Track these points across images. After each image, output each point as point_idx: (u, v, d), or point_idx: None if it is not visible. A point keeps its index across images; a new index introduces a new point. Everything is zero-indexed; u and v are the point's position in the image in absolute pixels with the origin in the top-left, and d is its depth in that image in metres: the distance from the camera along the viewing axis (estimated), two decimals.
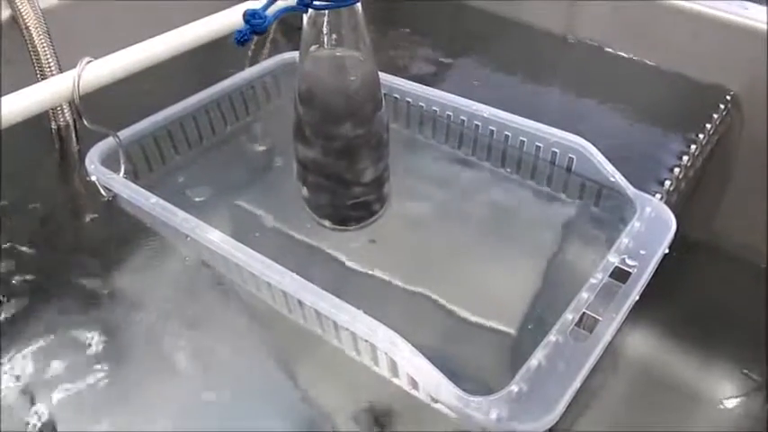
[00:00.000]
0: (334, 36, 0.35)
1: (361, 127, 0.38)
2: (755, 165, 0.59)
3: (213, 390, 0.34)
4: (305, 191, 0.42)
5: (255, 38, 0.33)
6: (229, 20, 0.46)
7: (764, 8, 0.55)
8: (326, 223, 0.42)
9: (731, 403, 0.54)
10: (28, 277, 0.39)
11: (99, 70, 0.40)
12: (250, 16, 0.32)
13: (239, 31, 0.33)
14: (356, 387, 0.34)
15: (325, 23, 0.35)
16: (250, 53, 0.59)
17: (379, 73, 0.50)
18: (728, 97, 0.56)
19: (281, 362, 0.36)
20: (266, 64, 0.53)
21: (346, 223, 0.42)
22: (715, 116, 0.54)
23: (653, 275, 0.36)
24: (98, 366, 0.34)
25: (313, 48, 0.36)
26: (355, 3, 0.34)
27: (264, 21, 0.33)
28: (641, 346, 0.59)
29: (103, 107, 0.43)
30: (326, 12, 0.34)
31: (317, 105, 0.38)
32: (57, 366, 0.34)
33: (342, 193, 0.40)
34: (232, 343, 0.36)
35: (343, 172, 0.39)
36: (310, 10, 0.34)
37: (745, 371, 0.56)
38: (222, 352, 0.36)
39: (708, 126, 0.53)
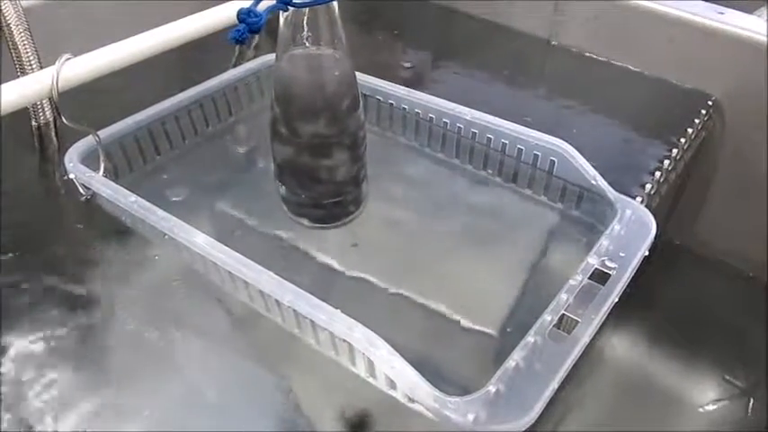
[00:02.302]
0: (310, 35, 0.35)
1: (337, 125, 0.38)
2: (737, 170, 0.59)
3: (192, 390, 0.34)
4: (283, 190, 0.42)
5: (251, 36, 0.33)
6: (213, 19, 0.46)
7: (743, 14, 0.56)
8: (304, 222, 0.42)
9: (713, 408, 0.55)
10: (4, 275, 0.39)
11: (78, 67, 0.40)
12: (245, 15, 0.32)
13: (237, 30, 0.32)
14: (335, 388, 0.34)
15: (302, 22, 0.35)
16: (235, 54, 0.59)
17: (362, 75, 0.50)
18: (710, 102, 0.57)
19: (260, 362, 0.35)
20: (249, 65, 0.53)
21: (323, 222, 0.42)
22: (696, 121, 0.54)
23: (636, 280, 0.36)
24: (75, 368, 0.34)
25: (289, 46, 0.36)
26: (332, 0, 0.34)
27: (260, 18, 0.32)
28: (624, 351, 0.59)
29: (85, 106, 0.43)
30: (305, 10, 0.34)
31: (293, 103, 0.38)
32: (33, 367, 0.34)
33: (318, 191, 0.40)
34: (211, 343, 0.36)
35: (318, 170, 0.39)
36: (289, 8, 0.34)
37: (727, 376, 0.56)
38: (201, 352, 0.35)
39: (689, 131, 0.53)
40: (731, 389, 0.56)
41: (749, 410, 0.54)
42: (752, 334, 0.58)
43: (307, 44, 0.36)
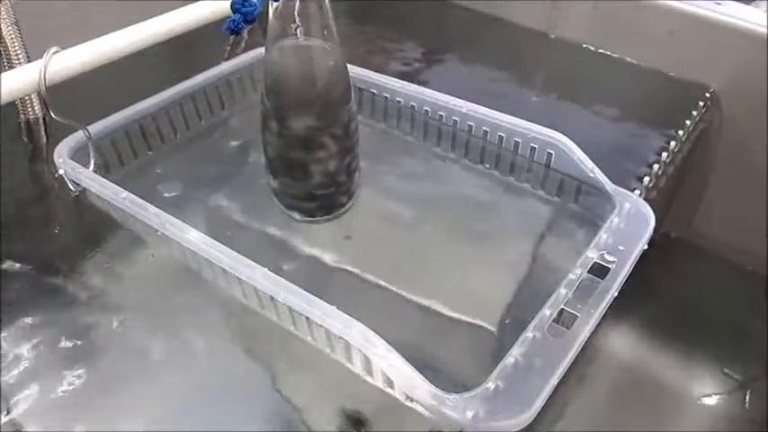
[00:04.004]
0: (300, 26, 0.35)
1: (328, 117, 0.38)
2: (735, 162, 0.59)
3: (187, 388, 0.33)
4: (274, 183, 0.41)
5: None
6: (204, 11, 0.45)
7: (742, 5, 0.56)
8: (295, 215, 0.41)
9: (712, 402, 0.55)
10: None
11: (67, 61, 0.39)
12: (239, 5, 0.32)
13: (232, 20, 0.32)
14: (331, 386, 0.34)
15: (292, 13, 0.34)
16: (227, 47, 0.58)
17: (357, 68, 0.50)
18: (708, 94, 0.56)
19: (256, 360, 0.35)
20: (242, 58, 0.52)
21: (315, 214, 0.41)
22: (695, 113, 0.54)
23: (634, 274, 0.36)
24: (68, 366, 0.33)
25: (279, 38, 0.35)
26: None
27: (255, 8, 0.32)
28: (622, 346, 0.59)
29: (75, 100, 0.42)
30: (296, 1, 0.33)
31: (283, 95, 0.37)
32: (23, 366, 0.33)
33: (308, 184, 0.40)
34: (206, 341, 0.35)
35: (309, 163, 0.39)
36: None
37: (726, 370, 0.56)
38: (196, 350, 0.35)
39: (688, 123, 0.53)
40: (730, 382, 0.56)
41: (746, 403, 0.54)
42: (751, 327, 0.58)
43: (297, 35, 0.35)
